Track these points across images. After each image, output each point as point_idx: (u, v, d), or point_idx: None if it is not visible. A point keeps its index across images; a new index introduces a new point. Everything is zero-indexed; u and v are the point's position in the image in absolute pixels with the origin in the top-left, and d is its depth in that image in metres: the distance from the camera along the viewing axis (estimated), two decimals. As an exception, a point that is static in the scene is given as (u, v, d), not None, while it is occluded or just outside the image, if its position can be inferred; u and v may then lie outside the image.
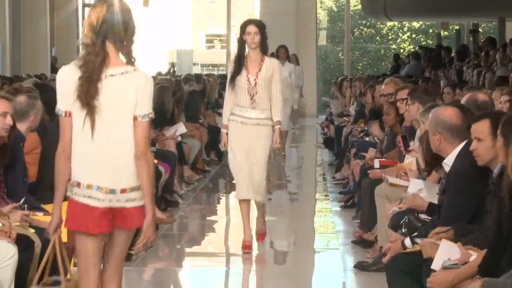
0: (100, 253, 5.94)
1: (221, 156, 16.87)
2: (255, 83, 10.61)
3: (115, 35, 5.80)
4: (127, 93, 5.80)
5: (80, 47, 5.92)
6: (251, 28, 10.65)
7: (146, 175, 5.81)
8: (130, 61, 5.85)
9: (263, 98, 10.67)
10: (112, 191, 5.79)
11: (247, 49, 10.73)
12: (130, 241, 6.06)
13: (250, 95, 10.62)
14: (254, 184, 10.67)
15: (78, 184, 5.83)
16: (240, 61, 10.72)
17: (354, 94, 21.00)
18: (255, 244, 10.80)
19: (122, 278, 6.14)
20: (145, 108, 5.82)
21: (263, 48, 10.79)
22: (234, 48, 12.19)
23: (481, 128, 6.45)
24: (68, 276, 6.36)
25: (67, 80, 5.81)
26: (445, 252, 6.33)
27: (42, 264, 6.39)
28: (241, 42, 10.76)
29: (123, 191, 5.80)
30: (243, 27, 10.75)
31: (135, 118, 5.80)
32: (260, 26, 10.77)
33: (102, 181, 5.79)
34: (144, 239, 5.85)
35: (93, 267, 5.93)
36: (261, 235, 11.07)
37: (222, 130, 11.08)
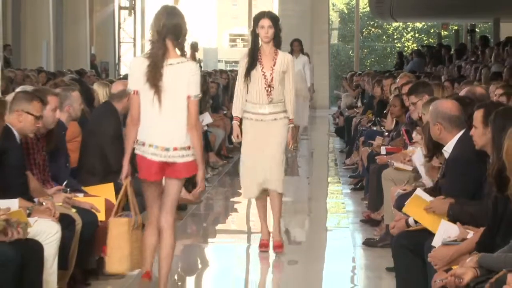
0: (158, 195, 7.24)
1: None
2: (272, 78, 9.48)
3: (172, 35, 7.08)
4: (182, 77, 7.08)
5: (147, 44, 7.21)
6: (265, 22, 9.48)
7: (197, 140, 7.10)
8: (182, 54, 7.17)
9: (277, 92, 9.53)
10: (167, 149, 7.03)
11: (260, 43, 9.55)
12: (180, 189, 7.39)
13: (267, 91, 9.47)
14: (269, 172, 9.50)
15: (143, 144, 7.07)
16: (254, 55, 9.53)
17: (362, 87, 20.98)
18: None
19: (175, 222, 7.38)
20: (195, 90, 7.11)
21: (277, 42, 9.59)
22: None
23: (476, 116, 6.47)
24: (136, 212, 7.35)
25: (137, 67, 7.13)
26: (445, 231, 6.33)
27: (116, 204, 7.38)
28: (255, 36, 9.59)
29: (175, 149, 7.03)
30: (256, 20, 9.56)
31: (188, 97, 7.06)
32: (274, 19, 9.57)
33: (160, 142, 7.03)
34: (199, 189, 7.29)
35: (155, 205, 7.25)
36: (278, 246, 9.54)
37: (233, 122, 9.75)
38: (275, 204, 9.62)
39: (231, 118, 9.96)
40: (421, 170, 8.42)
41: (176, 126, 7.07)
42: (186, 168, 7.13)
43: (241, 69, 9.61)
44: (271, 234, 9.66)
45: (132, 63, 7.66)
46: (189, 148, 7.06)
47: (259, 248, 9.57)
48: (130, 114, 7.22)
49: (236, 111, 9.66)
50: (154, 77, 7.00)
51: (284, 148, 9.64)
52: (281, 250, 9.46)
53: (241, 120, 9.65)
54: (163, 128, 7.06)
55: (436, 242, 6.23)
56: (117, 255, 7.22)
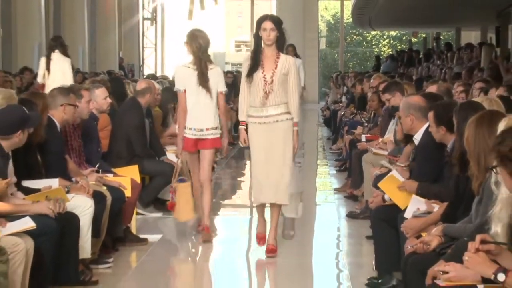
0: (197, 161, 8.75)
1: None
2: (272, 80, 8.02)
3: (204, 51, 8.59)
4: (214, 78, 8.60)
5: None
6: (267, 24, 8.06)
7: (224, 121, 8.96)
8: (211, 62, 8.67)
9: (278, 94, 8.05)
10: (201, 130, 8.59)
11: (262, 45, 8.09)
12: (212, 156, 8.90)
13: (265, 93, 8.04)
14: (276, 185, 8.09)
15: (188, 128, 8.62)
16: (256, 58, 8.10)
17: (346, 86, 20.99)
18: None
19: (210, 179, 8.86)
20: (223, 86, 8.71)
21: (280, 45, 8.15)
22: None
23: (430, 117, 6.49)
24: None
25: (183, 72, 8.64)
26: (415, 204, 6.35)
27: (175, 173, 8.86)
28: (257, 38, 8.14)
29: (207, 129, 8.59)
30: (259, 23, 8.16)
31: (220, 93, 8.65)
32: (277, 22, 8.13)
33: (196, 125, 8.59)
34: (225, 152, 9.56)
35: (196, 168, 8.80)
36: (271, 250, 8.12)
37: (240, 127, 8.27)
38: (275, 213, 8.27)
39: (237, 111, 8.98)
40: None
41: (209, 113, 8.58)
42: (214, 142, 8.67)
43: (244, 72, 8.26)
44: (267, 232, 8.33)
45: (179, 70, 8.83)
46: (216, 128, 8.62)
47: (256, 241, 8.39)
48: (180, 107, 8.67)
49: (242, 115, 8.28)
50: (204, 80, 8.48)
51: (291, 156, 8.17)
52: (274, 254, 8.08)
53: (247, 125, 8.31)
54: (199, 115, 8.55)
55: (408, 214, 6.23)
56: (186, 208, 8.78)
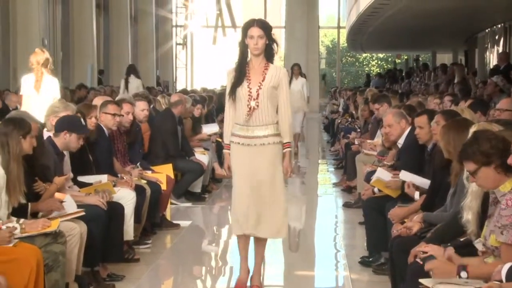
0: None
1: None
2: (257, 95, 5.70)
3: None
4: None
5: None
6: (254, 31, 5.68)
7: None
8: None
9: (266, 112, 5.74)
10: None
11: (249, 55, 5.77)
12: None
13: (250, 109, 5.71)
14: (263, 217, 5.78)
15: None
16: (241, 70, 5.76)
17: (342, 98, 20.94)
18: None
19: None
20: None
21: (268, 54, 5.77)
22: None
23: (422, 120, 6.42)
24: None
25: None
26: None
27: None
28: (243, 46, 5.77)
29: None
30: (245, 29, 5.75)
31: None
32: (265, 27, 5.72)
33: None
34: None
35: None
36: None
37: (224, 151, 5.99)
38: (260, 248, 5.98)
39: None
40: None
41: None
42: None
43: (227, 86, 5.88)
44: (250, 274, 6.00)
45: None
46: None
47: None
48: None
49: (226, 138, 5.91)
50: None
51: (282, 182, 5.88)
52: None
53: None
54: None
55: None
56: None
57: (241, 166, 5.81)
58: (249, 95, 5.73)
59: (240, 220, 5.79)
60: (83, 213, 5.63)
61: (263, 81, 5.74)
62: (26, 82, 9.33)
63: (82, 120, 6.46)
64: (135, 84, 16.03)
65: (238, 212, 5.80)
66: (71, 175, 6.42)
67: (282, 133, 5.82)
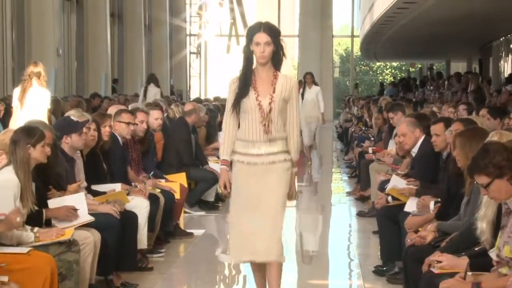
0: None
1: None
2: (270, 108, 5.05)
3: None
4: None
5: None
6: (261, 37, 5.02)
7: None
8: None
9: (276, 127, 5.10)
10: None
11: (255, 63, 5.12)
12: None
13: (265, 125, 5.05)
14: (265, 242, 5.04)
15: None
16: (246, 79, 5.10)
17: (356, 107, 20.93)
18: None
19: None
20: None
21: (277, 62, 5.12)
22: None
23: (438, 128, 6.41)
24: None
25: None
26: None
27: None
28: (248, 53, 5.12)
29: None
30: (251, 34, 5.09)
31: None
32: (273, 33, 5.07)
33: None
34: None
35: None
36: None
37: (221, 167, 5.24)
38: (273, 276, 5.15)
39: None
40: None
41: None
42: None
43: (230, 97, 5.17)
44: None
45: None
46: None
47: None
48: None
49: (224, 153, 5.21)
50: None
51: (285, 202, 5.18)
52: None
53: (231, 164, 5.23)
54: None
55: (408, 208, 6.23)
56: None
57: (245, 188, 5.11)
58: (259, 107, 5.06)
59: (241, 246, 5.10)
60: (93, 219, 5.64)
61: (274, 92, 5.08)
62: (15, 94, 9.60)
63: (72, 117, 6.46)
64: (153, 92, 16.51)
65: (239, 238, 5.10)
66: (85, 184, 6.44)
67: (290, 149, 5.17)
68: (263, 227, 5.06)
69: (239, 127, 5.17)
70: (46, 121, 9.06)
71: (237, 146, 5.16)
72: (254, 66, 5.14)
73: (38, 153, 5.19)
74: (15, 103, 9.53)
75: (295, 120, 5.19)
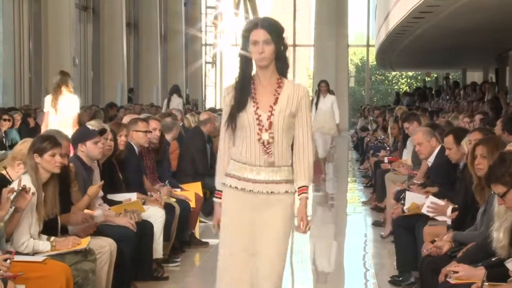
0: None
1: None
2: (270, 124, 3.98)
3: None
4: None
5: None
6: (258, 34, 3.97)
7: None
8: None
9: (280, 148, 4.01)
10: None
11: (254, 68, 4.06)
12: None
13: (264, 144, 3.97)
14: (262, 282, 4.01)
15: None
16: (243, 88, 4.03)
17: (371, 117, 20.92)
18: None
19: None
20: None
21: (281, 66, 4.03)
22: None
23: (448, 141, 6.39)
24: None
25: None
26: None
27: None
28: (246, 57, 4.06)
29: None
30: (247, 33, 4.02)
31: None
32: (273, 29, 3.99)
33: None
34: None
35: None
36: None
37: (214, 200, 4.29)
38: None
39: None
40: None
41: None
42: None
43: (224, 111, 4.11)
44: None
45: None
46: None
47: None
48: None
49: (218, 183, 4.21)
50: None
51: (286, 248, 4.09)
52: None
53: None
54: None
55: (424, 210, 6.21)
56: None
57: (238, 222, 4.05)
58: (258, 122, 3.97)
59: None
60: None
61: (275, 104, 3.98)
62: (47, 101, 10.46)
63: (90, 127, 6.49)
64: (176, 103, 17.14)
65: (227, 281, 4.10)
66: (101, 193, 6.46)
67: (298, 173, 4.03)
68: (260, 279, 4.01)
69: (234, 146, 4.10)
70: (76, 125, 9.48)
71: (231, 168, 4.08)
72: (254, 72, 4.07)
73: (46, 163, 5.11)
74: (47, 109, 10.37)
75: (306, 136, 4.03)
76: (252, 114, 3.99)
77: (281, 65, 4.03)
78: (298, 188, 4.05)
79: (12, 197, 4.72)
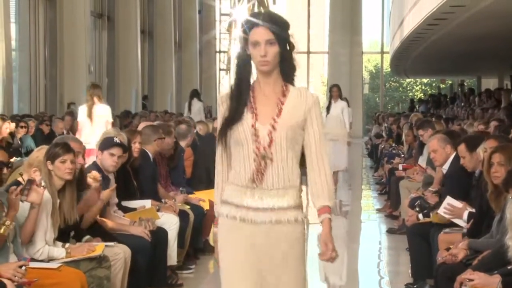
0: None
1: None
2: (271, 140, 3.17)
3: None
4: None
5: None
6: (259, 33, 3.15)
7: None
8: None
9: (285, 168, 3.20)
10: None
11: (255, 73, 3.24)
12: None
13: (259, 163, 3.18)
14: None
15: None
16: (240, 96, 3.23)
17: (386, 124, 20.87)
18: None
19: None
20: None
21: (287, 69, 3.22)
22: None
23: (461, 149, 6.36)
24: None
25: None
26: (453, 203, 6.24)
27: None
28: (245, 60, 3.25)
29: None
30: (246, 32, 3.21)
31: None
32: (277, 26, 3.15)
33: None
34: None
35: None
36: None
37: (214, 230, 3.68)
38: None
39: None
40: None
41: None
42: None
43: (219, 124, 3.37)
44: None
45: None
46: None
47: None
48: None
49: (217, 207, 3.57)
50: None
51: (305, 275, 3.32)
52: None
53: None
54: None
55: (441, 211, 6.16)
56: None
57: (238, 257, 3.34)
58: (255, 138, 3.23)
59: None
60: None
61: (278, 116, 3.23)
62: (81, 111, 11.36)
63: (114, 138, 6.46)
64: (197, 106, 17.83)
65: None
66: (116, 200, 6.47)
67: (316, 193, 3.29)
68: None
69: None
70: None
71: (228, 194, 3.40)
72: (253, 78, 3.32)
73: (57, 169, 5.12)
74: (81, 118, 11.27)
75: (320, 153, 3.29)
76: (248, 128, 3.23)
77: (286, 68, 3.26)
78: (320, 207, 3.30)
79: (18, 189, 4.66)
